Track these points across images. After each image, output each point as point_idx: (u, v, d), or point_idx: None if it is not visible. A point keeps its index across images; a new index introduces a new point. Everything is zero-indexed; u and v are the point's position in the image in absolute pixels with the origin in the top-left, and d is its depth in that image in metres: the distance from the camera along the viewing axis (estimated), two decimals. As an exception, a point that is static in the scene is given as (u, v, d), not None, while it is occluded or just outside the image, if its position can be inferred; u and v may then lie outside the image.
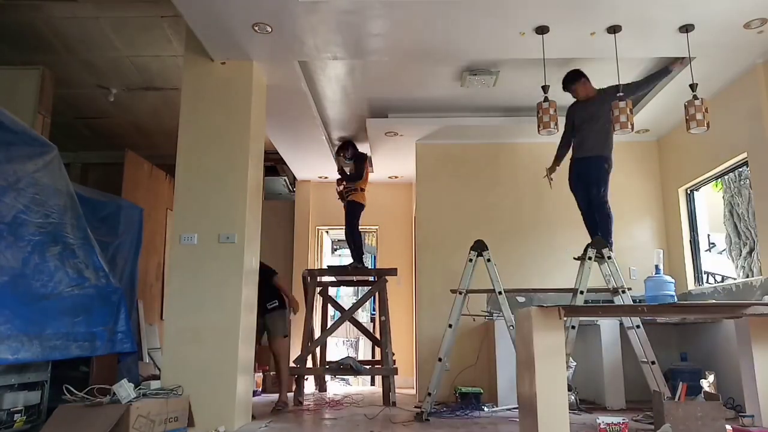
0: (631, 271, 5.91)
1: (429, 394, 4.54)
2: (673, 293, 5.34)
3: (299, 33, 4.11)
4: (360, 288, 8.12)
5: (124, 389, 3.34)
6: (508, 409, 4.82)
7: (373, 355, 7.06)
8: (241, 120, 4.44)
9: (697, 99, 4.06)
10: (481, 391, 5.25)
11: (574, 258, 4.59)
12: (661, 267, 5.46)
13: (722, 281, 7.68)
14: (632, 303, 4.49)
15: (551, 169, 4.86)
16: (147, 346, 5.71)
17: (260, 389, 6.49)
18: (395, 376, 5.53)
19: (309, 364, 6.02)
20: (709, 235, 8.79)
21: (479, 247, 4.58)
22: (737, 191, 8.69)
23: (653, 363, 4.29)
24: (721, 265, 9.03)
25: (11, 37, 4.81)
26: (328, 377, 6.96)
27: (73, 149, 6.88)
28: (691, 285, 5.74)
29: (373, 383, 7.40)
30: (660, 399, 3.73)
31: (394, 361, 5.71)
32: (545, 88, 4.17)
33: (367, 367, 5.96)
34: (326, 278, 6.61)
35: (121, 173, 5.81)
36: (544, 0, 3.73)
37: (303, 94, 5.16)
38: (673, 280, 5.43)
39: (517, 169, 6.27)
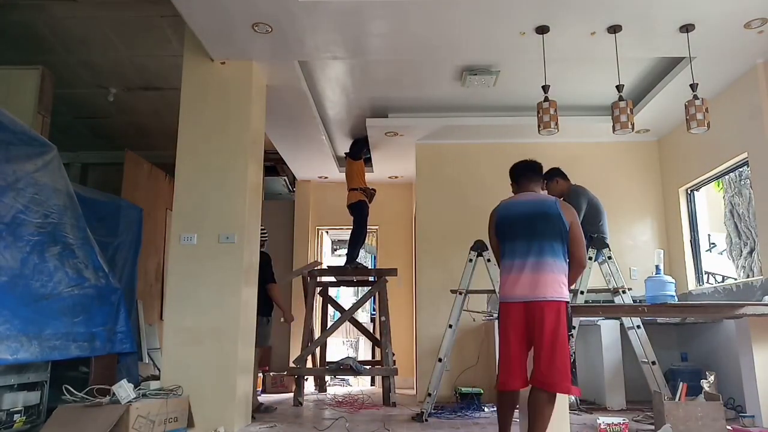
0: (632, 271, 5.90)
1: (429, 395, 4.54)
2: (674, 293, 5.33)
3: (299, 33, 4.10)
4: (360, 288, 8.11)
5: (124, 389, 3.34)
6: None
7: (373, 355, 7.05)
8: (241, 120, 4.44)
9: (698, 99, 4.05)
10: (482, 391, 5.25)
11: None
12: (661, 267, 5.45)
13: (723, 281, 7.68)
14: (632, 303, 4.48)
15: None
16: (147, 347, 5.70)
17: (260, 389, 6.49)
18: (395, 377, 5.53)
19: (309, 364, 6.02)
20: (709, 235, 8.79)
21: (479, 247, 4.57)
22: (738, 191, 8.69)
23: (654, 363, 4.29)
24: (721, 265, 9.03)
25: (11, 37, 4.81)
26: (328, 377, 6.96)
27: (72, 149, 6.87)
28: (691, 285, 5.73)
29: (373, 383, 7.39)
30: (660, 399, 3.73)
31: (394, 361, 5.70)
32: (545, 88, 4.17)
33: (367, 367, 5.96)
34: (326, 278, 6.60)
35: (120, 173, 5.81)
36: (544, 0, 3.73)
37: (303, 94, 5.16)
38: (673, 281, 5.41)
39: (517, 169, 6.26)
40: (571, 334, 2.90)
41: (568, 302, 2.95)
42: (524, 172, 3.25)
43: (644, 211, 6.25)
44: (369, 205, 6.26)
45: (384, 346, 5.66)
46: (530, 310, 2.92)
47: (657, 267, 5.46)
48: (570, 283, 3.05)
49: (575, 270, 3.05)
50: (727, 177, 6.95)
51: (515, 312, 2.97)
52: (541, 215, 3.02)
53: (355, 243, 6.15)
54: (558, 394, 2.88)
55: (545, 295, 2.89)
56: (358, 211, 6.17)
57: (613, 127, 4.16)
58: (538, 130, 4.19)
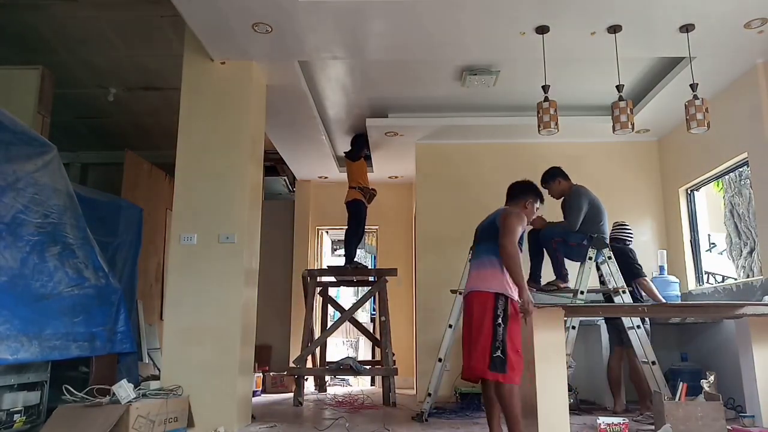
0: (632, 271, 5.89)
1: (429, 395, 4.54)
2: (678, 293, 5.34)
3: (299, 33, 4.10)
4: (360, 288, 8.11)
5: (124, 389, 3.34)
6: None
7: (373, 355, 7.05)
8: (241, 120, 4.44)
9: (698, 99, 4.05)
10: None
11: None
12: (665, 267, 5.46)
13: (723, 281, 7.68)
14: (632, 303, 4.49)
15: None
16: (147, 346, 5.71)
17: (260, 389, 6.49)
18: (395, 377, 5.53)
19: (309, 364, 6.02)
20: (709, 235, 8.79)
21: (479, 247, 4.57)
22: (738, 191, 8.70)
23: (654, 363, 4.29)
24: (721, 265, 9.03)
25: (11, 37, 4.81)
26: (328, 377, 6.96)
27: (72, 149, 6.88)
28: (691, 285, 5.73)
29: (373, 383, 7.40)
30: (660, 399, 3.73)
31: (394, 361, 5.70)
32: (545, 88, 4.17)
33: (367, 367, 5.96)
34: (326, 278, 6.60)
35: (120, 173, 5.81)
36: (544, 0, 3.73)
37: (303, 94, 5.16)
38: (677, 280, 5.42)
39: (517, 169, 6.20)
40: (498, 324, 3.12)
41: (497, 294, 3.18)
42: (508, 192, 3.73)
43: (644, 211, 6.25)
44: (367, 205, 6.21)
45: (384, 346, 5.66)
46: (465, 301, 3.39)
47: (661, 267, 5.48)
48: (510, 275, 3.21)
49: (503, 259, 3.23)
50: (727, 177, 6.96)
51: (464, 305, 3.42)
52: (488, 223, 3.50)
53: (350, 242, 6.12)
54: (513, 386, 3.07)
55: (474, 287, 3.31)
56: (353, 210, 6.13)
57: (613, 127, 4.16)
58: (538, 130, 4.19)
